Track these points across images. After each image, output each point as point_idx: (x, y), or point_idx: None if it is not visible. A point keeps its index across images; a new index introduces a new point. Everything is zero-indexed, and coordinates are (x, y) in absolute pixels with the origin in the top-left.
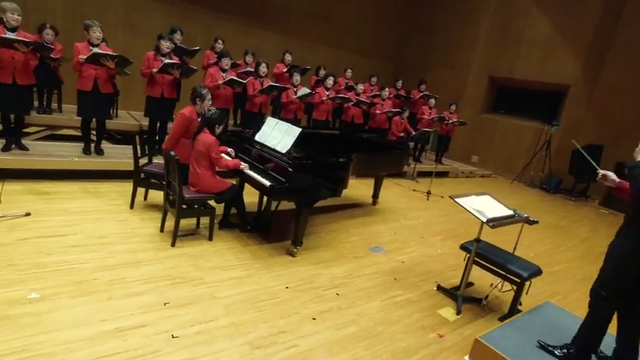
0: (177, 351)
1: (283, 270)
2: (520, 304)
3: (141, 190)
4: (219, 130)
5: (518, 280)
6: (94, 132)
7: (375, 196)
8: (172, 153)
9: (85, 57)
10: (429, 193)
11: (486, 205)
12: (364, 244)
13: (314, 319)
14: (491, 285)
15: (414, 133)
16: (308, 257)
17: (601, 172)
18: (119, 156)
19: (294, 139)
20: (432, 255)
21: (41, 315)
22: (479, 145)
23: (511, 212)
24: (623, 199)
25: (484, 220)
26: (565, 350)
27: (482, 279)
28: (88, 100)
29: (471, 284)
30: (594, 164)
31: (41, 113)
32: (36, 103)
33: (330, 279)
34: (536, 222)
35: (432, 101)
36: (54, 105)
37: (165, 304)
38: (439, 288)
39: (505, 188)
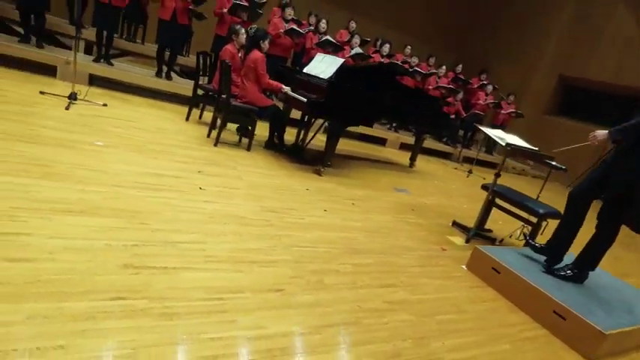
0: (202, 196)
1: (307, 180)
2: None
3: (197, 112)
4: (264, 45)
5: (535, 219)
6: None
7: (413, 158)
8: (227, 60)
9: None
10: (470, 171)
11: (510, 138)
12: (391, 185)
13: (325, 210)
14: (510, 236)
15: (464, 115)
16: (333, 178)
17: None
18: (185, 84)
19: (337, 67)
20: (455, 206)
21: (100, 152)
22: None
23: (536, 149)
24: None
25: (503, 144)
26: (569, 271)
27: (501, 231)
28: (166, 28)
29: (489, 230)
30: (576, 146)
31: (127, 40)
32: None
33: (350, 195)
34: (564, 169)
35: (490, 87)
36: (138, 41)
37: (198, 171)
38: (454, 224)
39: (559, 192)
